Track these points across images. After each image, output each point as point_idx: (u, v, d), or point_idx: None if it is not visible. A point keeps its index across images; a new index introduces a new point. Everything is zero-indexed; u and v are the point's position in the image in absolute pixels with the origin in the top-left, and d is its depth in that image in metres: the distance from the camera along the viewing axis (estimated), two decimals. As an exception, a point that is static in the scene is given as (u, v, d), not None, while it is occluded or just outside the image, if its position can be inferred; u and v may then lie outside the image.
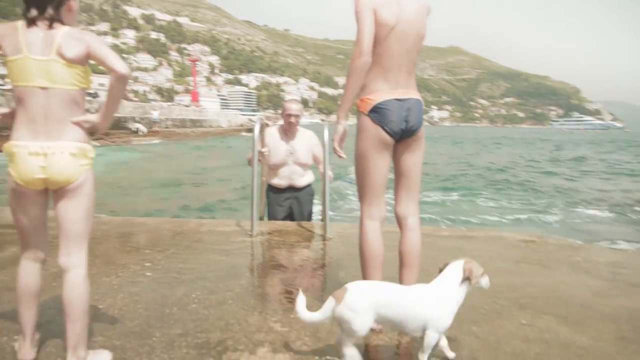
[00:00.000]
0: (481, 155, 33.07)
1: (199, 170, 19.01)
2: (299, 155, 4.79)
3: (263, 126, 4.71)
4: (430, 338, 2.00)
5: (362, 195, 2.54)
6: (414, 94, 2.43)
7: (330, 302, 2.00)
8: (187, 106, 65.11)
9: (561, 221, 9.99)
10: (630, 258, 4.21)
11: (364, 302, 1.96)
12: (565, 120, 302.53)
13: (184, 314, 2.60)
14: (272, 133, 4.82)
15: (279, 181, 4.90)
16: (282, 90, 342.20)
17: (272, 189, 5.00)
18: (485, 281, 2.10)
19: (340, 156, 2.50)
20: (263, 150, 4.67)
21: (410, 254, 2.50)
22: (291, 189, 4.95)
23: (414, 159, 2.51)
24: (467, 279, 2.04)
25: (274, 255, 3.93)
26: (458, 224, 9.40)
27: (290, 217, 5.13)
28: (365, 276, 2.50)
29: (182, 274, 3.31)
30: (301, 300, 2.06)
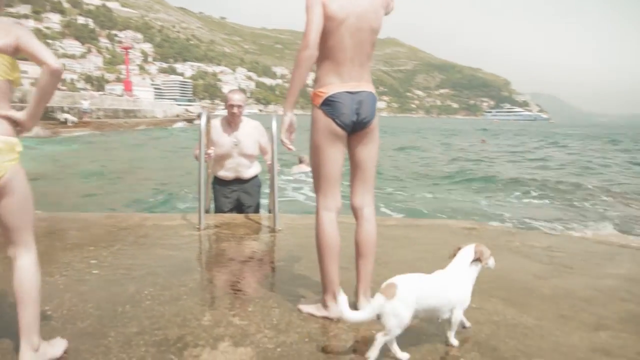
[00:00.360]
0: (429, 147, 33.96)
1: (135, 161, 18.37)
2: (244, 146, 4.74)
3: (209, 118, 4.62)
4: (458, 317, 2.19)
5: (317, 186, 2.56)
6: (366, 87, 2.47)
7: (379, 298, 2.02)
8: (119, 96, 62.41)
9: (499, 207, 10.44)
10: (563, 241, 4.49)
11: (413, 296, 2.04)
12: (497, 111, 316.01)
13: (138, 312, 2.53)
14: (215, 125, 4.74)
15: (225, 173, 4.84)
16: (219, 80, 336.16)
17: (218, 181, 4.93)
18: (491, 262, 2.29)
19: (288, 148, 2.51)
20: (209, 151, 4.59)
21: (367, 243, 2.56)
22: (238, 180, 4.91)
23: (368, 151, 2.56)
24: (477, 260, 2.23)
25: (224, 248, 3.89)
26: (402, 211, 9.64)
27: (237, 209, 5.08)
28: (322, 267, 2.54)
29: (132, 270, 3.21)
30: (343, 300, 2.02)
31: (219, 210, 5.02)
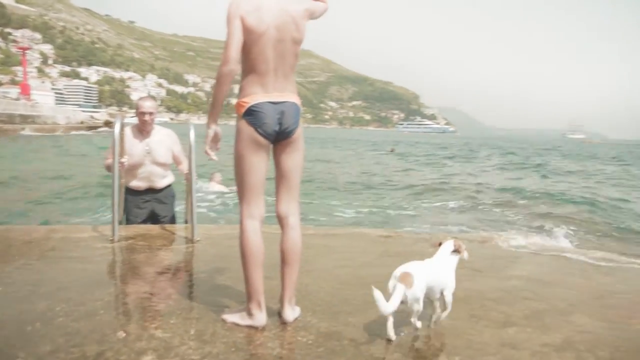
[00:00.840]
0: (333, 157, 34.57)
1: (34, 170, 17.12)
2: (157, 154, 4.64)
3: (123, 126, 4.45)
4: (450, 298, 2.60)
5: (241, 195, 2.57)
6: (290, 98, 2.52)
7: (400, 288, 2.35)
8: (15, 99, 57.88)
9: (414, 215, 10.87)
10: (473, 246, 4.74)
11: (424, 282, 2.43)
12: (408, 124, 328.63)
13: (51, 329, 2.37)
14: (126, 133, 4.59)
15: (137, 183, 4.69)
16: (127, 86, 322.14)
17: (130, 192, 4.75)
18: (466, 254, 2.71)
19: (211, 158, 2.54)
20: (122, 160, 4.41)
21: (292, 251, 2.59)
22: (151, 190, 4.78)
23: (293, 160, 2.61)
24: (456, 251, 2.67)
25: (141, 260, 3.74)
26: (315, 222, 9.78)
27: (151, 220, 4.92)
28: (246, 275, 2.53)
29: (40, 286, 3.00)
30: (379, 294, 2.30)
31: (131, 222, 4.83)
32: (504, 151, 52.68)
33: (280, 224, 2.65)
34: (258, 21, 2.38)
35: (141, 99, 4.66)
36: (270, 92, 2.46)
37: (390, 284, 2.42)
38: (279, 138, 2.52)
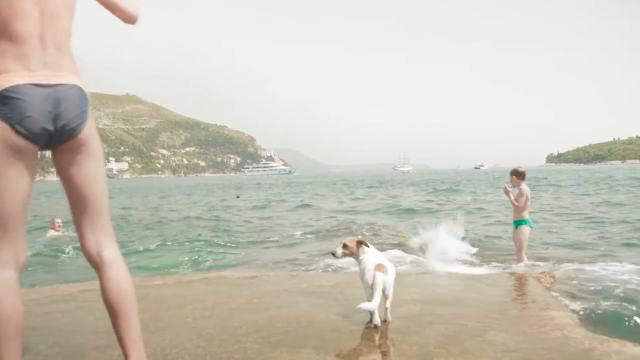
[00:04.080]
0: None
1: None
2: None
3: None
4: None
5: None
6: (69, 79, 1.72)
7: (379, 277, 2.62)
8: None
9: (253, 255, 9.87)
10: (347, 277, 4.30)
11: (393, 270, 2.79)
12: (254, 167, 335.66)
13: None
14: None
15: None
16: None
17: None
18: None
19: None
20: None
21: (123, 296, 1.79)
22: None
23: (88, 171, 1.79)
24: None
25: None
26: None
27: None
28: None
29: None
30: (363, 304, 2.62)
31: None
32: (341, 183, 55.07)
33: (93, 265, 1.83)
34: None
35: None
36: (36, 70, 1.64)
37: (369, 274, 2.65)
38: (58, 140, 1.70)
